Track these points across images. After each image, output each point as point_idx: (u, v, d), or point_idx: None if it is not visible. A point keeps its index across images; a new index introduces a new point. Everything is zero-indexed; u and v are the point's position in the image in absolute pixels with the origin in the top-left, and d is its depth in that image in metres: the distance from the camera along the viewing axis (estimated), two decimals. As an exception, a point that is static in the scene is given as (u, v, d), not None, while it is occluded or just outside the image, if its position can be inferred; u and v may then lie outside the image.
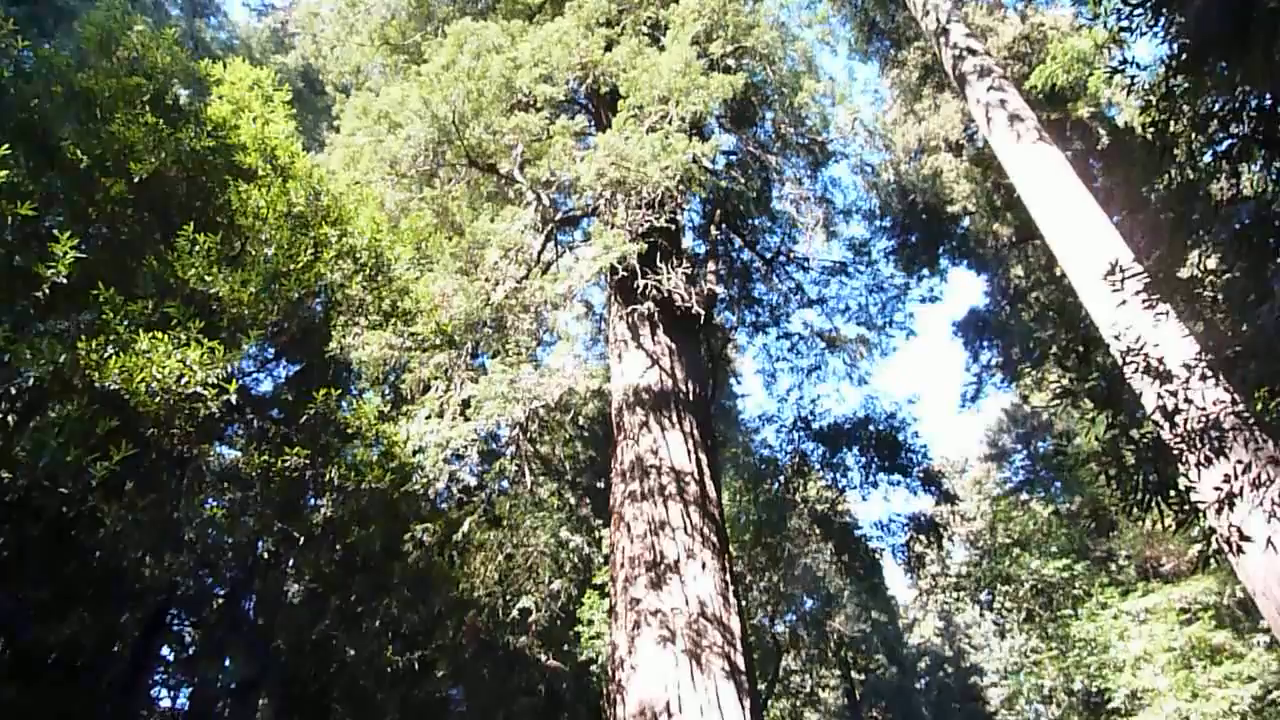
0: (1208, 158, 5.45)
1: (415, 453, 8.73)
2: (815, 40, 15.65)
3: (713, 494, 10.18)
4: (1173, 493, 5.39)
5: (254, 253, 7.73)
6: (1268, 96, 5.00)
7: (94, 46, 8.02)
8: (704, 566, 9.00)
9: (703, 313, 10.78)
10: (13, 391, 5.75)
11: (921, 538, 16.67)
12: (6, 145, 5.98)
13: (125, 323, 6.19)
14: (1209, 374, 5.48)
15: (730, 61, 12.35)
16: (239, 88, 8.88)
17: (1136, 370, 5.64)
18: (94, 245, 7.11)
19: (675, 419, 10.53)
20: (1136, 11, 5.33)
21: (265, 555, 8.33)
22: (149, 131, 7.31)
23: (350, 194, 9.12)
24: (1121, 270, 5.67)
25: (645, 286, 9.86)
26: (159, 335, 6.15)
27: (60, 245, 5.95)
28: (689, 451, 10.23)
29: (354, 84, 17.34)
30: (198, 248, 6.92)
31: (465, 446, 8.91)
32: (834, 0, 15.84)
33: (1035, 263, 22.62)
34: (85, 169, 7.02)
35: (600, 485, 18.60)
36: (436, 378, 9.72)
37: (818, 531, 17.45)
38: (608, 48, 11.63)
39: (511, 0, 14.33)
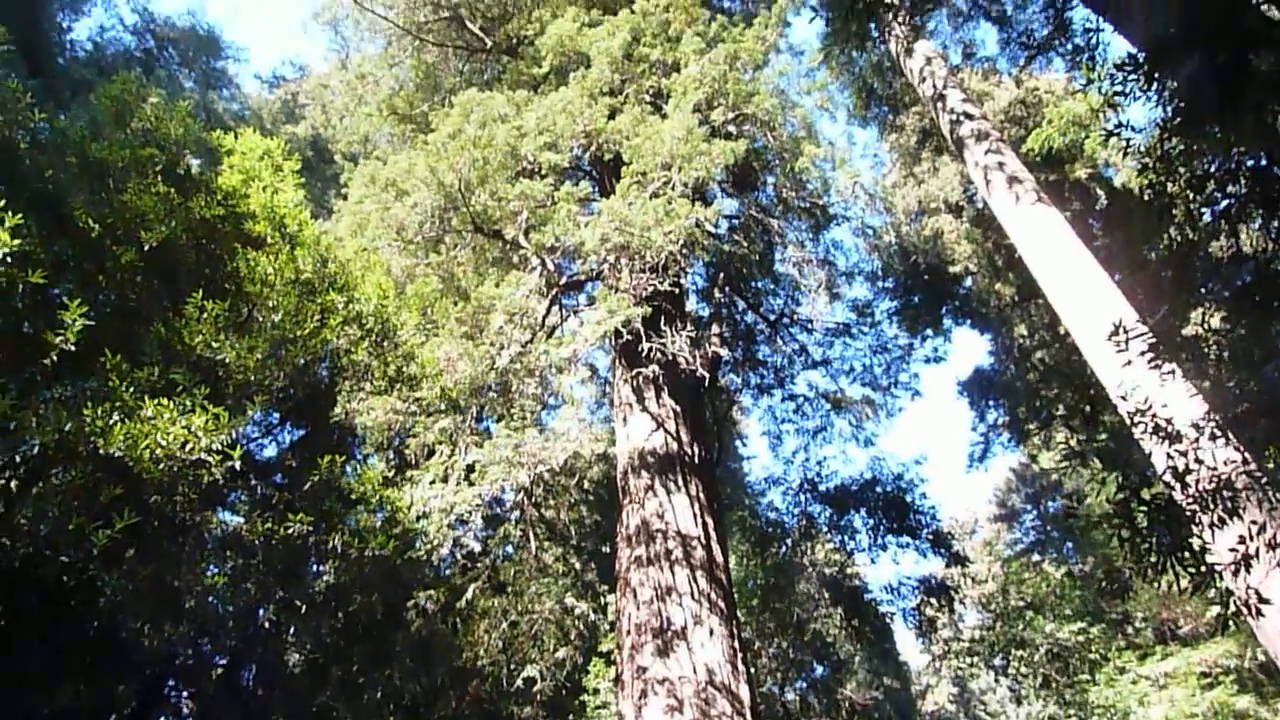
0: (1206, 217, 5.49)
1: (419, 518, 8.67)
2: (815, 107, 15.94)
3: (720, 558, 10.06)
4: (1187, 554, 5.31)
5: (261, 319, 7.77)
6: (1263, 157, 5.06)
7: (109, 118, 8.18)
8: (712, 633, 8.85)
9: (707, 375, 10.78)
10: (16, 459, 5.73)
11: (932, 601, 16.40)
12: (20, 215, 6.06)
13: (131, 389, 6.20)
14: (1218, 433, 5.44)
15: (731, 128, 12.56)
16: (249, 157, 9.04)
17: (1145, 430, 5.60)
18: (102, 312, 7.16)
19: (681, 482, 10.46)
20: (1130, 77, 5.42)
21: (266, 624, 8.20)
22: (160, 200, 7.42)
23: (357, 260, 9.22)
24: (1125, 331, 5.68)
25: (650, 350, 9.88)
26: (164, 401, 6.15)
27: (70, 313, 6.00)
28: (695, 515, 10.14)
29: (362, 152, 17.66)
30: (205, 314, 6.96)
31: (469, 512, 8.86)
32: (832, 68, 16.17)
33: (1039, 322, 22.67)
34: (96, 237, 7.11)
35: (606, 550, 18.39)
36: (441, 442, 9.70)
37: (827, 595, 17.20)
38: (611, 116, 11.84)
39: (516, 71, 14.64)
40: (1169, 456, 5.49)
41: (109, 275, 7.24)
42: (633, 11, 13.26)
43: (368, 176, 12.29)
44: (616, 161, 11.99)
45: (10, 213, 5.93)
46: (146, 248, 7.29)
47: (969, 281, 22.76)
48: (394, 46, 18.05)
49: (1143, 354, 5.71)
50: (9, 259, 5.87)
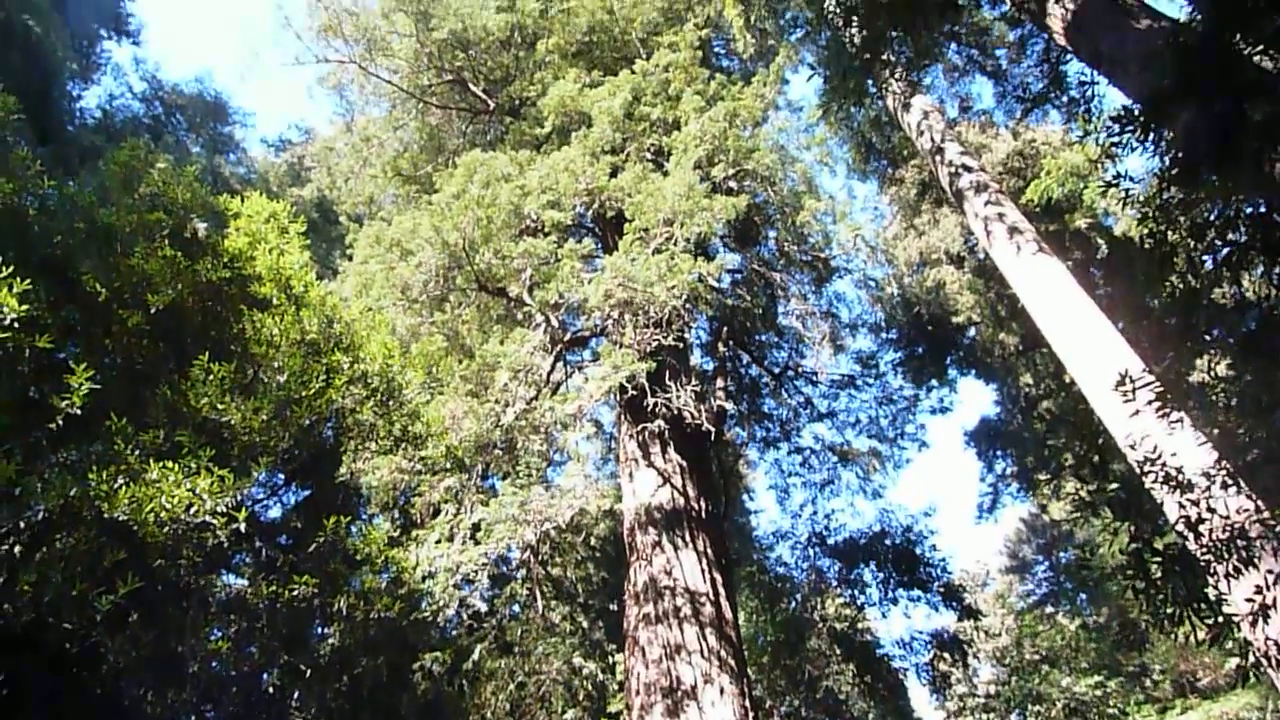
0: (1208, 265, 5.51)
1: (425, 579, 8.58)
2: (814, 161, 16.13)
3: (729, 615, 9.93)
4: (1203, 605, 5.23)
5: (266, 380, 7.78)
6: (1262, 204, 5.09)
7: (117, 184, 8.28)
8: (722, 692, 8.70)
9: (713, 429, 10.76)
10: (21, 525, 5.70)
11: (945, 656, 16.13)
12: (28, 280, 6.11)
13: (136, 453, 6.18)
14: (1230, 482, 5.40)
15: (732, 183, 12.71)
16: (256, 220, 9.12)
17: (1156, 480, 5.56)
18: (109, 375, 7.17)
19: (688, 538, 10.37)
20: (1126, 129, 5.49)
21: (270, 689, 8.06)
22: (167, 264, 7.47)
23: (362, 320, 9.25)
24: (1132, 380, 5.67)
25: (655, 404, 9.88)
26: (169, 464, 6.13)
27: (76, 377, 6.00)
28: (703, 571, 10.04)
29: (367, 213, 17.85)
30: (211, 376, 6.97)
31: (475, 571, 8.78)
32: (831, 124, 16.37)
33: (1044, 370, 22.64)
34: (104, 301, 7.15)
35: (614, 607, 18.16)
36: (447, 501, 9.65)
37: (838, 651, 16.92)
38: (613, 174, 11.98)
39: (519, 131, 14.86)
40: (1181, 506, 5.43)
41: (115, 339, 7.27)
42: (633, 72, 13.50)
43: (372, 237, 12.41)
44: (619, 218, 12.11)
45: (19, 278, 5.97)
46: (153, 310, 7.33)
47: (972, 331, 22.80)
48: (398, 109, 18.36)
49: (1150, 403, 5.69)
50: (16, 324, 5.89)
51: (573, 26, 15.81)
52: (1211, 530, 5.28)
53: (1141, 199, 5.94)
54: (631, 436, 11.63)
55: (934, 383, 22.30)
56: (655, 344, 9.61)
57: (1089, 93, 8.11)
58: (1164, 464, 5.52)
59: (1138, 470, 5.78)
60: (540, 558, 12.81)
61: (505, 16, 15.81)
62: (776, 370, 16.56)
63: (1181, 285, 5.51)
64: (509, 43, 16.45)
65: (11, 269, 5.96)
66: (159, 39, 59.47)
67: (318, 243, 21.04)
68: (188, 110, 30.15)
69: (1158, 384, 5.84)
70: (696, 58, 14.15)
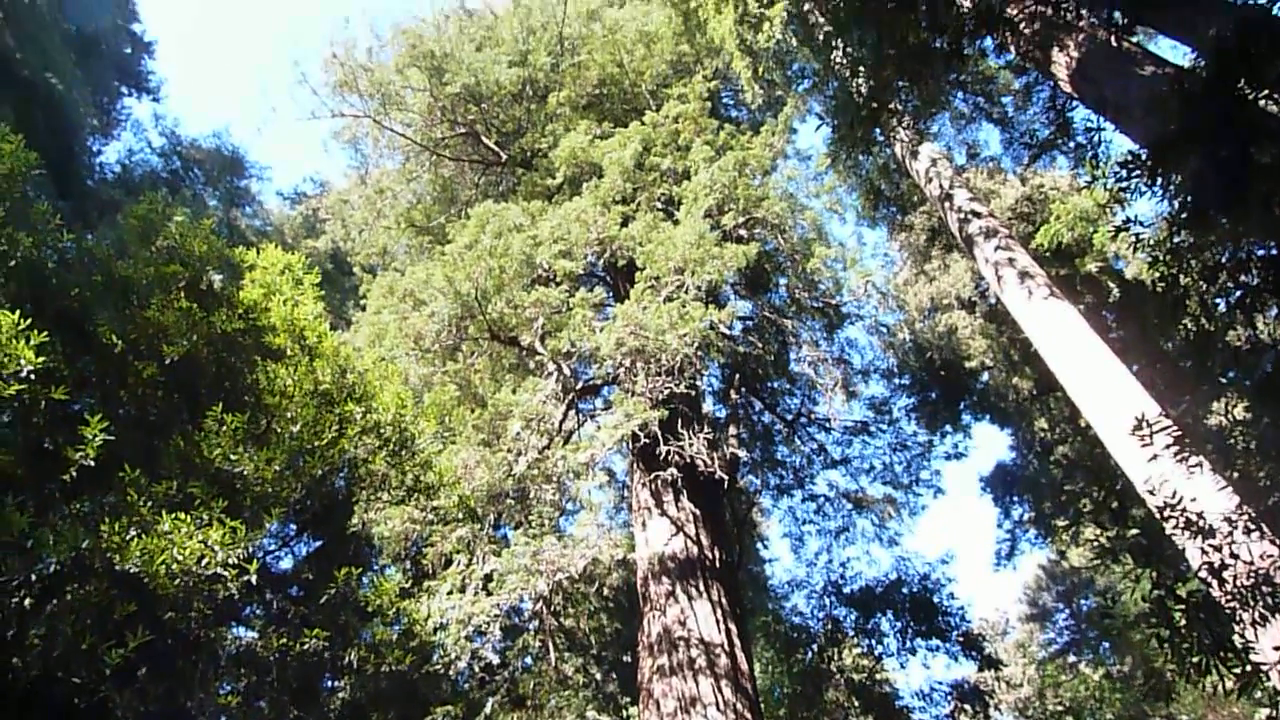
0: (1221, 308, 5.49)
1: (436, 630, 8.50)
2: (824, 209, 16.26)
3: (744, 666, 9.78)
4: (1230, 654, 5.12)
5: (279, 430, 7.79)
6: (1274, 247, 5.09)
7: (135, 237, 8.38)
8: (739, 746, 8.54)
9: (726, 477, 10.69)
10: (32, 577, 5.69)
11: (967, 707, 15.79)
12: (45, 332, 6.17)
13: (149, 504, 6.18)
14: (1252, 527, 5.32)
15: (743, 232, 12.79)
16: (270, 272, 9.21)
17: (1177, 525, 5.48)
18: (123, 426, 7.19)
19: (702, 587, 10.26)
20: (1134, 174, 5.50)
21: (280, 744, 7.96)
22: (183, 315, 7.53)
23: (375, 370, 9.28)
24: (1149, 424, 5.62)
25: (667, 453, 9.84)
26: (182, 516, 6.12)
27: (90, 428, 6.03)
28: (718, 621, 9.91)
29: (380, 264, 18.02)
30: (224, 427, 6.99)
31: (487, 622, 8.69)
32: (839, 172, 16.50)
33: (1059, 415, 22.47)
34: (119, 352, 7.21)
35: (627, 659, 17.92)
36: (459, 551, 9.59)
37: (856, 704, 16.59)
38: (624, 223, 12.09)
39: (531, 182, 15.04)
40: (1203, 552, 5.35)
41: (130, 390, 7.30)
42: (643, 123, 13.68)
43: (386, 287, 12.52)
44: (630, 267, 12.19)
45: (36, 330, 6.03)
46: (168, 361, 7.37)
47: (986, 376, 22.69)
48: (412, 162, 18.62)
49: (1168, 447, 5.63)
50: (33, 376, 5.94)
51: (583, 80, 16.08)
52: (1236, 576, 5.19)
53: (1152, 242, 5.93)
54: (644, 485, 11.57)
55: (948, 428, 22.14)
56: (667, 392, 9.61)
57: (1095, 138, 8.13)
58: (1184, 509, 5.45)
59: (1158, 515, 5.71)
60: (553, 608, 12.68)
61: (517, 71, 16.10)
62: (789, 417, 16.51)
63: (1195, 328, 5.49)
64: (521, 96, 16.73)
65: (29, 321, 6.02)
66: (178, 94, 60.79)
67: (332, 294, 21.22)
68: (205, 164, 30.65)
69: (1175, 428, 5.78)
70: (705, 108, 14.34)
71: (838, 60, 10.89)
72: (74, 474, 6.05)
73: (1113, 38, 6.74)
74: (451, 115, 16.91)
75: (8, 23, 20.39)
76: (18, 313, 6.00)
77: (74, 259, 7.99)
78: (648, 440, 9.62)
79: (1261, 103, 5.23)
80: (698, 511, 11.29)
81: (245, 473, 7.03)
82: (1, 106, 17.51)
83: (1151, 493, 6.24)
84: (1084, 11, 7.61)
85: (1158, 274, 5.62)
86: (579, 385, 11.37)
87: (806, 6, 11.64)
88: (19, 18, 20.76)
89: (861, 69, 9.86)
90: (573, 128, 14.46)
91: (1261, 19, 4.99)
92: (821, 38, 11.29)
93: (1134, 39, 7.30)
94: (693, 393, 11.01)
